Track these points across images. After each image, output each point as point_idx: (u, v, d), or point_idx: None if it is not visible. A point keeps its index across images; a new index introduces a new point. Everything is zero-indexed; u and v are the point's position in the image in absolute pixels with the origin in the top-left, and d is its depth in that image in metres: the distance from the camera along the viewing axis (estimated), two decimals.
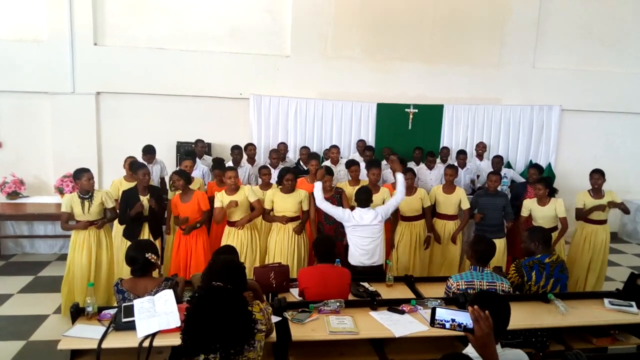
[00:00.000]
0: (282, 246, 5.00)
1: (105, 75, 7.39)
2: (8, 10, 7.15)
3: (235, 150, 6.60)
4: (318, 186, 4.69)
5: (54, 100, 7.32)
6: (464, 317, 1.98)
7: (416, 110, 7.95)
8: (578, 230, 5.71)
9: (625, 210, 5.62)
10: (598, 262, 5.59)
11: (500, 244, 5.38)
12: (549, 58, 8.34)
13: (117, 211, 5.00)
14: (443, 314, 2.00)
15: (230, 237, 4.98)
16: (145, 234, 5.04)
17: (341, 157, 7.14)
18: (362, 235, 4.47)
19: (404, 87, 8.02)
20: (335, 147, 6.84)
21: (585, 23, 8.33)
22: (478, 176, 7.22)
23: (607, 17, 8.35)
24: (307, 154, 6.82)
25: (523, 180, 6.80)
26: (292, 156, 7.54)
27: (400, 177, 4.68)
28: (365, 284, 3.96)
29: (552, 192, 5.43)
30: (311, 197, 5.03)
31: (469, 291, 3.44)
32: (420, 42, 7.98)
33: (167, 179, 6.73)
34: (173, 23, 7.50)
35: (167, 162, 6.91)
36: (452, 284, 3.54)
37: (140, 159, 6.24)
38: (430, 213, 5.59)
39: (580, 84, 8.36)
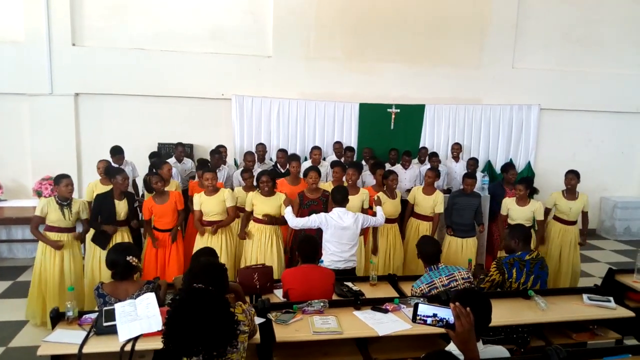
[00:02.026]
0: (259, 248, 4.97)
1: (84, 77, 7.27)
2: None
3: (216, 154, 6.52)
4: (288, 210, 4.66)
5: (32, 102, 7.19)
6: (445, 313, 2.00)
7: (398, 110, 7.99)
8: (547, 228, 5.83)
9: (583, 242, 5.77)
10: (569, 259, 5.69)
11: (473, 242, 5.55)
12: (528, 59, 8.46)
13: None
14: (425, 309, 2.02)
15: (204, 239, 4.94)
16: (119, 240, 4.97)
17: (323, 159, 7.15)
18: (341, 242, 4.42)
19: (386, 88, 8.05)
20: (317, 148, 6.84)
21: (563, 25, 8.47)
22: (450, 186, 7.23)
23: (584, 19, 8.50)
24: (283, 157, 6.79)
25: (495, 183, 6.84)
26: (275, 157, 7.49)
27: (380, 209, 4.85)
28: (349, 284, 3.97)
29: (533, 192, 5.51)
30: (295, 199, 5.04)
31: (432, 292, 3.57)
32: (401, 44, 8.02)
33: (138, 181, 6.68)
34: (153, 23, 7.41)
35: (147, 164, 6.83)
36: (415, 291, 3.68)
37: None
38: (409, 210, 5.69)
39: (559, 84, 8.50)
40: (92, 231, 4.99)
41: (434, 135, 8.20)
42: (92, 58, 7.25)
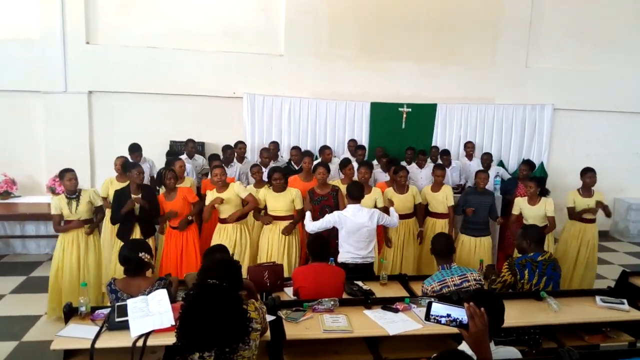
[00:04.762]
0: (274, 245, 4.99)
1: (98, 74, 7.34)
2: (0, 9, 7.09)
3: (228, 150, 6.57)
4: (308, 216, 4.69)
5: (46, 100, 7.27)
6: (459, 313, 1.98)
7: (409, 110, 7.97)
8: (566, 227, 5.77)
9: (608, 214, 5.67)
10: (586, 259, 5.63)
11: (487, 241, 5.49)
12: (541, 58, 8.38)
13: (109, 209, 4.98)
14: (439, 308, 2.00)
15: (221, 234, 4.97)
16: (137, 234, 5.00)
17: (335, 157, 7.16)
18: (357, 239, 4.42)
19: (397, 87, 8.03)
20: (327, 147, 6.85)
21: (577, 23, 8.38)
22: (467, 180, 7.24)
23: (598, 17, 8.40)
24: (297, 154, 6.80)
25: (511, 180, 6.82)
26: (286, 156, 7.51)
27: (393, 210, 4.88)
28: (359, 283, 3.96)
29: (544, 192, 5.47)
30: (306, 196, 5.07)
31: (443, 290, 3.53)
32: (413, 42, 7.99)
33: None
34: (166, 22, 7.46)
35: (161, 161, 6.87)
36: (426, 289, 3.63)
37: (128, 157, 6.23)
38: (422, 209, 5.65)
39: (573, 83, 8.41)
40: (114, 226, 5.07)
41: (446, 135, 8.17)
42: (106, 56, 7.31)
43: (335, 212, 4.52)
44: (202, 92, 7.62)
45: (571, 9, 8.31)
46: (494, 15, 8.12)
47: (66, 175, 4.67)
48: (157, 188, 5.30)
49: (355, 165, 5.97)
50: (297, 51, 7.73)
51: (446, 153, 7.22)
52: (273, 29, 7.72)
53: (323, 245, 3.83)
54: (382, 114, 7.94)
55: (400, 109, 7.97)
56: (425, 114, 8.05)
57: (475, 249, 5.41)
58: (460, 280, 3.57)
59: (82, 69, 7.28)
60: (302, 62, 7.76)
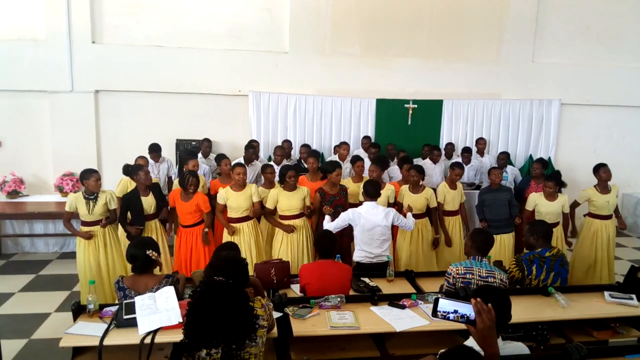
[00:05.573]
0: (289, 245, 4.98)
1: (104, 74, 7.37)
2: (6, 9, 7.13)
3: (250, 149, 6.54)
4: (327, 220, 4.66)
5: (52, 99, 7.31)
6: (466, 309, 1.98)
7: (415, 106, 7.94)
8: (585, 226, 5.70)
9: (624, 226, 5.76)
10: (607, 256, 5.58)
11: (508, 239, 5.43)
12: (547, 53, 8.31)
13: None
14: (446, 305, 2.00)
15: (233, 235, 4.98)
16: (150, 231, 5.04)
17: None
18: (372, 238, 4.41)
19: (402, 83, 8.00)
20: (345, 143, 6.82)
21: (583, 18, 8.31)
22: (482, 180, 7.19)
23: (605, 12, 8.32)
24: (307, 152, 6.79)
25: (524, 178, 6.78)
26: (293, 153, 7.50)
27: (410, 214, 4.77)
28: (366, 280, 3.96)
29: (562, 186, 5.44)
30: (315, 196, 5.08)
31: (467, 276, 3.46)
32: (418, 38, 7.96)
33: (174, 178, 6.74)
34: (171, 21, 7.48)
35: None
36: (451, 270, 3.55)
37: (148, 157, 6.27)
38: (436, 214, 5.50)
39: (579, 79, 8.35)
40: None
41: (452, 131, 8.13)
42: (112, 55, 7.33)
43: (350, 210, 4.51)
44: (207, 91, 7.63)
45: (577, 4, 8.24)
46: (500, 10, 8.06)
47: (93, 176, 4.67)
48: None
49: (367, 162, 5.96)
50: (301, 49, 7.72)
51: (467, 150, 7.20)
52: (278, 27, 7.72)
53: (330, 243, 3.82)
54: (388, 111, 7.91)
55: (406, 105, 7.94)
56: (431, 110, 8.01)
57: (498, 246, 5.30)
58: (486, 275, 3.46)
59: (88, 68, 7.30)
60: (307, 59, 7.74)
